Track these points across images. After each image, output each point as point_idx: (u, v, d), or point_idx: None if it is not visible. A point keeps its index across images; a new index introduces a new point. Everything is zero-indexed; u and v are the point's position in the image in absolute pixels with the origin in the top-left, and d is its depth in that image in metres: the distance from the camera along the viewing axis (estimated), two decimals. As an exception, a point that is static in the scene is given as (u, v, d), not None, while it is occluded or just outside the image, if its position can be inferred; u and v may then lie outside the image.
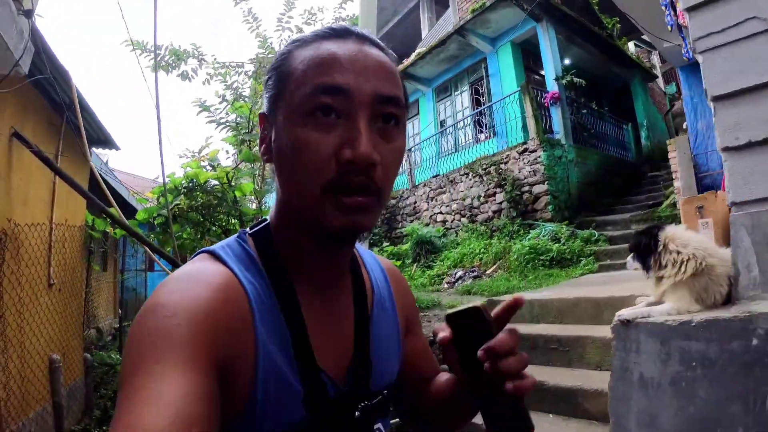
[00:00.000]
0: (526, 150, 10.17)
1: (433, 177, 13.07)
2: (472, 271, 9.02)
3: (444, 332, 0.74)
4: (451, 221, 11.90)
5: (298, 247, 0.82)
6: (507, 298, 0.75)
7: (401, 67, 14.46)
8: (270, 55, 8.75)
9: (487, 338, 0.70)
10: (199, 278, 0.73)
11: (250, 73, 8.84)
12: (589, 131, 11.92)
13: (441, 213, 12.28)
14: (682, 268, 2.49)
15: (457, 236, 11.15)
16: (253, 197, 7.85)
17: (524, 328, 4.57)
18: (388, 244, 12.77)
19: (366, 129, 0.71)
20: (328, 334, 0.82)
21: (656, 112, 15.21)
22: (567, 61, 12.67)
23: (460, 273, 9.14)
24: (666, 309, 2.51)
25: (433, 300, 7.21)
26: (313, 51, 0.77)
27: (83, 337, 6.55)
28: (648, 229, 2.80)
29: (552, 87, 11.35)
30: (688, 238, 2.61)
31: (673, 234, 2.63)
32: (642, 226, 3.56)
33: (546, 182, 9.69)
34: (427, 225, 12.16)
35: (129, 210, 8.06)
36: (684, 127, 8.15)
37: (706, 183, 6.90)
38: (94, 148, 7.17)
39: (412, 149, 14.78)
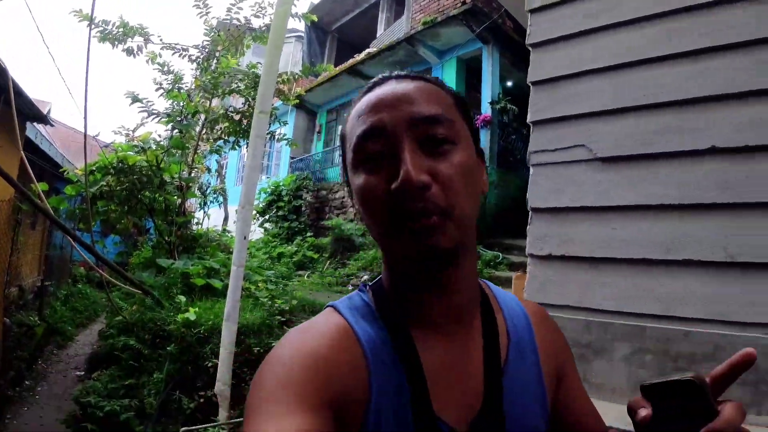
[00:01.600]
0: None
1: (365, 176, 13.42)
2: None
3: (644, 410, 0.64)
4: (374, 222, 12.27)
5: (408, 291, 0.82)
6: (737, 354, 0.62)
7: (350, 62, 14.81)
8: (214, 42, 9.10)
9: (705, 417, 0.59)
10: (314, 329, 0.79)
11: (193, 58, 9.22)
12: (516, 156, 12.40)
13: (366, 212, 12.62)
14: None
15: (375, 238, 11.51)
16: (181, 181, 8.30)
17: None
18: (311, 234, 13.21)
19: (409, 154, 0.71)
20: (451, 381, 0.80)
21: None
22: (509, 83, 13.06)
23: (366, 277, 9.54)
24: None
25: (326, 304, 7.06)
26: (356, 108, 0.81)
27: (3, 298, 6.89)
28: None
29: (486, 110, 11.80)
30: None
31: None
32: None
33: (463, 202, 10.15)
34: (352, 221, 12.59)
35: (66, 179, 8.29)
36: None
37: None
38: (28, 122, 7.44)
39: (349, 145, 15.10)
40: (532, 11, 3.19)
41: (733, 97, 2.51)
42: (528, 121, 3.00)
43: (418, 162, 0.71)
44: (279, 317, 6.14)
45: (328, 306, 0.87)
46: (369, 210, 0.76)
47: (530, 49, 3.15)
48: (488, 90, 11.97)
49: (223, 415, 4.34)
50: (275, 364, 0.72)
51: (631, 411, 0.66)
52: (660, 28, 2.73)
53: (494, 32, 11.90)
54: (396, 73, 0.84)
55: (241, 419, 4.35)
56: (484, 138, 11.59)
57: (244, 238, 4.49)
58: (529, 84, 3.06)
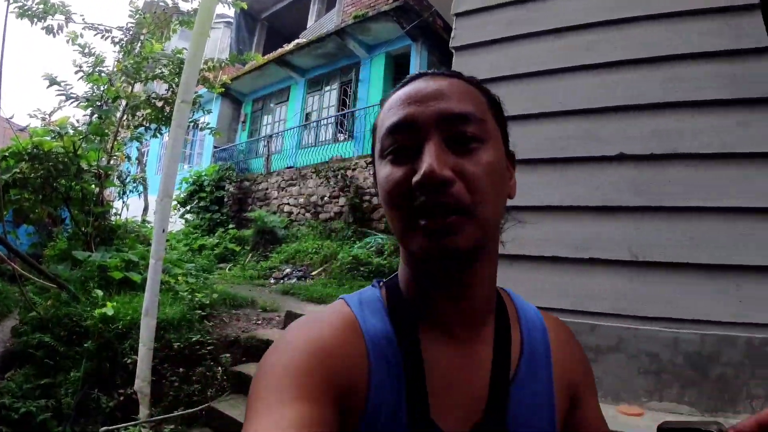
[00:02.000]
0: (373, 161, 10.86)
1: (288, 168, 13.57)
2: (300, 270, 9.48)
3: None
4: (297, 214, 12.48)
5: (421, 289, 0.81)
6: (760, 414, 0.59)
7: (279, 52, 14.73)
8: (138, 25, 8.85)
9: None
10: (321, 320, 0.79)
11: (117, 41, 8.94)
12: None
13: (289, 204, 12.81)
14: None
15: (298, 230, 11.65)
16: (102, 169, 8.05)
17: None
18: (233, 226, 13.12)
19: (434, 149, 0.71)
20: (453, 387, 0.78)
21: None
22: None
23: (288, 270, 9.58)
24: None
25: (247, 298, 7.21)
26: (389, 101, 0.81)
27: None
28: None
29: (411, 106, 11.96)
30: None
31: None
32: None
33: (385, 195, 10.41)
34: (275, 213, 12.60)
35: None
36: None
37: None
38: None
39: (274, 136, 15.18)
40: (458, 15, 3.33)
41: (642, 109, 2.75)
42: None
43: (443, 157, 0.70)
44: (199, 311, 6.10)
45: (339, 298, 0.86)
46: (389, 201, 0.75)
47: (453, 51, 3.28)
48: (415, 87, 12.09)
49: (143, 412, 4.34)
50: (281, 352, 0.73)
51: None
52: (579, 39, 2.95)
53: (423, 30, 12.11)
54: (433, 70, 0.83)
55: (162, 417, 4.36)
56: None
57: (163, 231, 4.48)
58: (451, 87, 3.22)
